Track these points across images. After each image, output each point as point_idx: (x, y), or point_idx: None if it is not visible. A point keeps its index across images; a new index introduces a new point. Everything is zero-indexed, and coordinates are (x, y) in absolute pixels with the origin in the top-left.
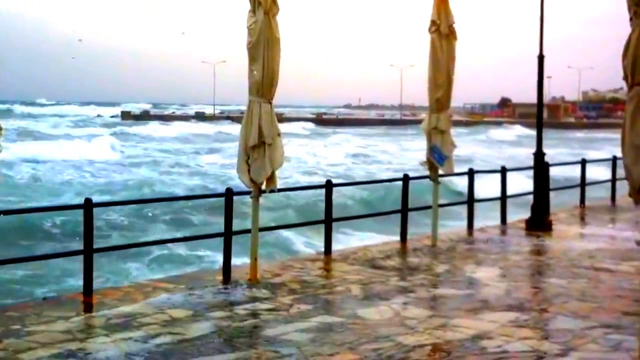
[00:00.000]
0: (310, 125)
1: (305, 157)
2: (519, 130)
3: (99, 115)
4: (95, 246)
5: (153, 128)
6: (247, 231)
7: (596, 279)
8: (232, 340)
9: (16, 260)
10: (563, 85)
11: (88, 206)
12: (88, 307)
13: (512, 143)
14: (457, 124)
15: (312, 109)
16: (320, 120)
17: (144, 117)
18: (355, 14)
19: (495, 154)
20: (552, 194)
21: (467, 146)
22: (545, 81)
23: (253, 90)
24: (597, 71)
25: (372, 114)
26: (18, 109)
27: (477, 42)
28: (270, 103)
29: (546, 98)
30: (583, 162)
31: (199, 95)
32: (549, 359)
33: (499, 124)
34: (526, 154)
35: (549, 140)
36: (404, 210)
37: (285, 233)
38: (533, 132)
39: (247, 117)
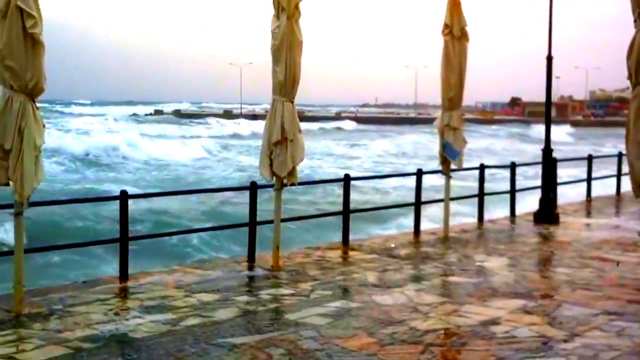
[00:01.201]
0: (353, 123)
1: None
2: (566, 129)
3: (134, 114)
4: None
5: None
6: (270, 222)
7: (601, 268)
8: (257, 323)
9: (57, 247)
10: (571, 85)
11: (123, 197)
12: (123, 291)
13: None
14: (472, 121)
15: (331, 109)
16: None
17: (185, 115)
18: (371, 17)
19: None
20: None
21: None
22: (554, 81)
23: (276, 90)
24: (604, 71)
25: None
26: (66, 109)
27: (489, 42)
28: (292, 102)
29: (555, 97)
30: (590, 158)
31: (225, 95)
32: (555, 344)
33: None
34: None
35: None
36: (418, 203)
37: None
38: (579, 131)
39: (271, 115)
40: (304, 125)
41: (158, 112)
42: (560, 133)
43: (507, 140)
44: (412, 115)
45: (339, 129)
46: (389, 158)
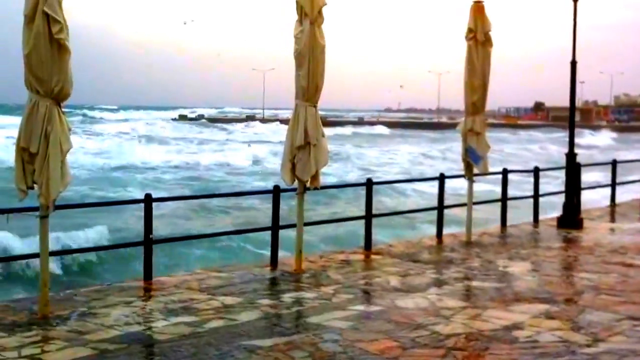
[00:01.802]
0: (384, 128)
1: None
2: (610, 134)
3: (174, 119)
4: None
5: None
6: (293, 225)
7: (625, 274)
8: (279, 325)
9: (82, 250)
10: (595, 90)
11: (148, 201)
12: (148, 293)
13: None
14: (495, 126)
15: (354, 114)
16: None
17: (207, 120)
18: (394, 22)
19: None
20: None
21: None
22: (578, 86)
23: (299, 95)
24: (629, 76)
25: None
26: (95, 114)
27: (513, 46)
28: (315, 107)
29: (579, 102)
30: (614, 163)
31: (247, 99)
32: (578, 349)
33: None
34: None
35: None
36: (440, 208)
37: None
38: (622, 136)
39: (294, 120)
40: (339, 131)
41: (182, 117)
42: (605, 138)
43: (554, 146)
44: (445, 120)
45: (372, 134)
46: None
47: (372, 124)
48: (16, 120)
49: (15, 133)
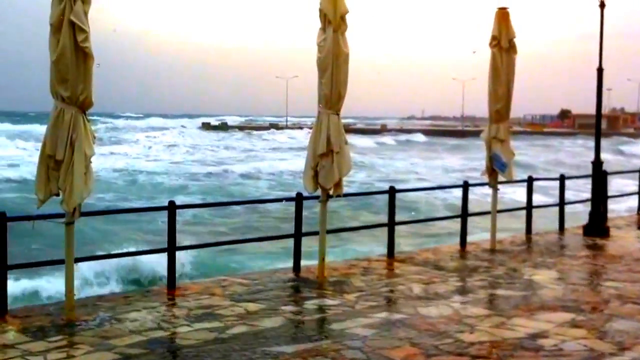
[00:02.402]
0: (421, 135)
1: None
2: None
3: (182, 126)
4: None
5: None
6: (316, 233)
7: None
8: (302, 332)
9: (107, 257)
10: (623, 97)
11: (172, 208)
12: (172, 299)
13: None
14: (519, 134)
15: (378, 121)
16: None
17: (227, 128)
18: (417, 29)
19: None
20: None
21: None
22: (605, 93)
23: (322, 103)
24: None
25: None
26: (120, 122)
27: (538, 53)
28: (338, 114)
29: (606, 109)
30: None
31: (267, 107)
32: (604, 358)
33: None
34: None
35: None
36: (464, 215)
37: None
38: None
39: (317, 128)
40: (379, 139)
41: (206, 125)
42: None
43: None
44: (471, 127)
45: (408, 141)
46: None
47: (409, 131)
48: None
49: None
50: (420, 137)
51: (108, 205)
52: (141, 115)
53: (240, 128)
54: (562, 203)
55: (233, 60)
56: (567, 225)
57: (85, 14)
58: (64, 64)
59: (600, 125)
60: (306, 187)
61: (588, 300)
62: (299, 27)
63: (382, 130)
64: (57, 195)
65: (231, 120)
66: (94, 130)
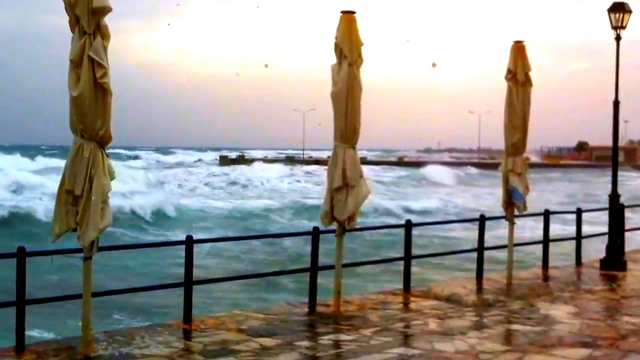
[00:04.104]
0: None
1: None
2: None
3: (199, 160)
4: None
5: None
6: (331, 267)
7: None
8: None
9: (123, 291)
10: None
11: (189, 242)
12: (187, 334)
13: None
14: (538, 166)
15: (394, 153)
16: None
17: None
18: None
19: None
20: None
21: None
22: (622, 125)
23: (338, 137)
24: None
25: (446, 157)
26: (152, 156)
27: (554, 85)
28: (354, 148)
29: (623, 141)
30: None
31: (284, 140)
32: None
33: None
34: None
35: None
36: (480, 249)
37: None
38: None
39: (333, 161)
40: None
41: (223, 159)
42: None
43: None
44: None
45: (468, 174)
46: None
47: (461, 164)
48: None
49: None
50: (473, 170)
51: None
52: (156, 148)
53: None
54: (579, 237)
55: (250, 93)
56: (584, 254)
57: (105, 49)
58: (84, 100)
59: (617, 158)
60: (321, 220)
61: (605, 335)
62: (316, 59)
63: (400, 162)
64: (75, 230)
65: (247, 153)
66: (111, 166)
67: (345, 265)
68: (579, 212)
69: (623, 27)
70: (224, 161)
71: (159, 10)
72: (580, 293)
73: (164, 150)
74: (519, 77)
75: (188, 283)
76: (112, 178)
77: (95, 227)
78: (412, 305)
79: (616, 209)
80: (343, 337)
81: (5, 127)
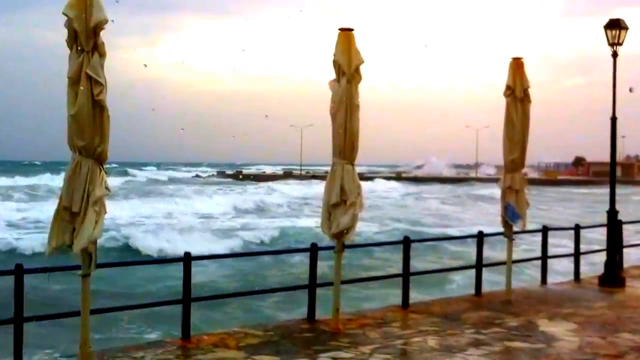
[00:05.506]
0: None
1: None
2: None
3: (197, 175)
4: None
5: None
6: (330, 284)
7: None
8: None
9: (121, 308)
10: (638, 144)
11: (187, 259)
12: (186, 351)
13: None
14: (536, 182)
15: (391, 168)
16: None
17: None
18: (430, 77)
19: None
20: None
21: None
22: (620, 140)
23: (336, 153)
24: None
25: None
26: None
27: (552, 101)
28: (353, 164)
29: (620, 157)
30: None
31: (282, 155)
32: None
33: None
34: None
35: None
36: (479, 266)
37: None
38: None
39: (330, 177)
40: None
41: (220, 174)
42: None
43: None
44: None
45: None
46: None
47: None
48: None
49: None
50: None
51: None
52: (156, 163)
53: (254, 177)
54: (577, 253)
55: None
56: (583, 270)
57: (102, 66)
58: (81, 117)
59: (615, 174)
60: (325, 234)
61: (605, 352)
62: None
63: (399, 177)
64: (70, 246)
65: (243, 169)
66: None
67: (344, 282)
68: (576, 229)
69: (620, 44)
70: (222, 177)
71: (159, 27)
72: (579, 310)
73: (164, 166)
74: (517, 93)
75: (186, 300)
76: (109, 192)
77: (87, 235)
78: (411, 322)
79: (614, 225)
80: (342, 354)
81: None
